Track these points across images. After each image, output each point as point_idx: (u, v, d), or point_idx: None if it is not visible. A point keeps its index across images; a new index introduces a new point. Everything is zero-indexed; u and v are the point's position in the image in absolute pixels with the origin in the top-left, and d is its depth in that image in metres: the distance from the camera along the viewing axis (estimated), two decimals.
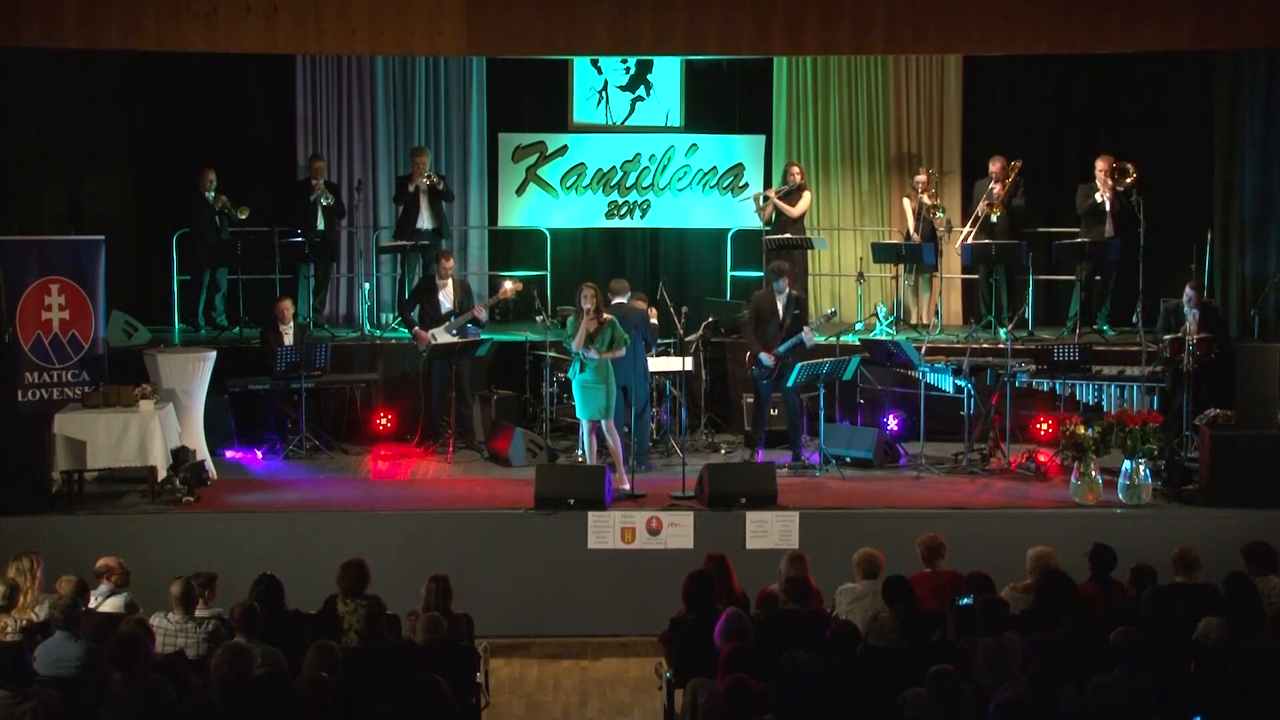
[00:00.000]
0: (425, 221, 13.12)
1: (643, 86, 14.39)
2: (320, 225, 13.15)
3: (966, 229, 13.03)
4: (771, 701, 6.15)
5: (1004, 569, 8.18)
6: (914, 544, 8.29)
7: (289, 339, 11.76)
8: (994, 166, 13.01)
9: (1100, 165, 12.66)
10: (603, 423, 10.56)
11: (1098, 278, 12.90)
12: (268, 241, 12.78)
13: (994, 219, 12.92)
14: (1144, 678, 6.36)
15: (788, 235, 13.22)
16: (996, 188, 12.92)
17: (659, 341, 11.81)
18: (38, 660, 6.68)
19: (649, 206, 14.29)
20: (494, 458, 11.60)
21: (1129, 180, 12.57)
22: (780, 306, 11.27)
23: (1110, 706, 6.09)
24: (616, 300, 11.14)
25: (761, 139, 14.34)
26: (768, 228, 13.54)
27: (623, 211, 14.30)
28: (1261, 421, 10.53)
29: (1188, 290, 11.47)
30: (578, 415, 10.70)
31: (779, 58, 13.84)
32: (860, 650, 6.90)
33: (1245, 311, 12.52)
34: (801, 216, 13.34)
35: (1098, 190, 12.65)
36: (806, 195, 13.38)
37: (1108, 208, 12.63)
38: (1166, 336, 11.29)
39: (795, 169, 13.42)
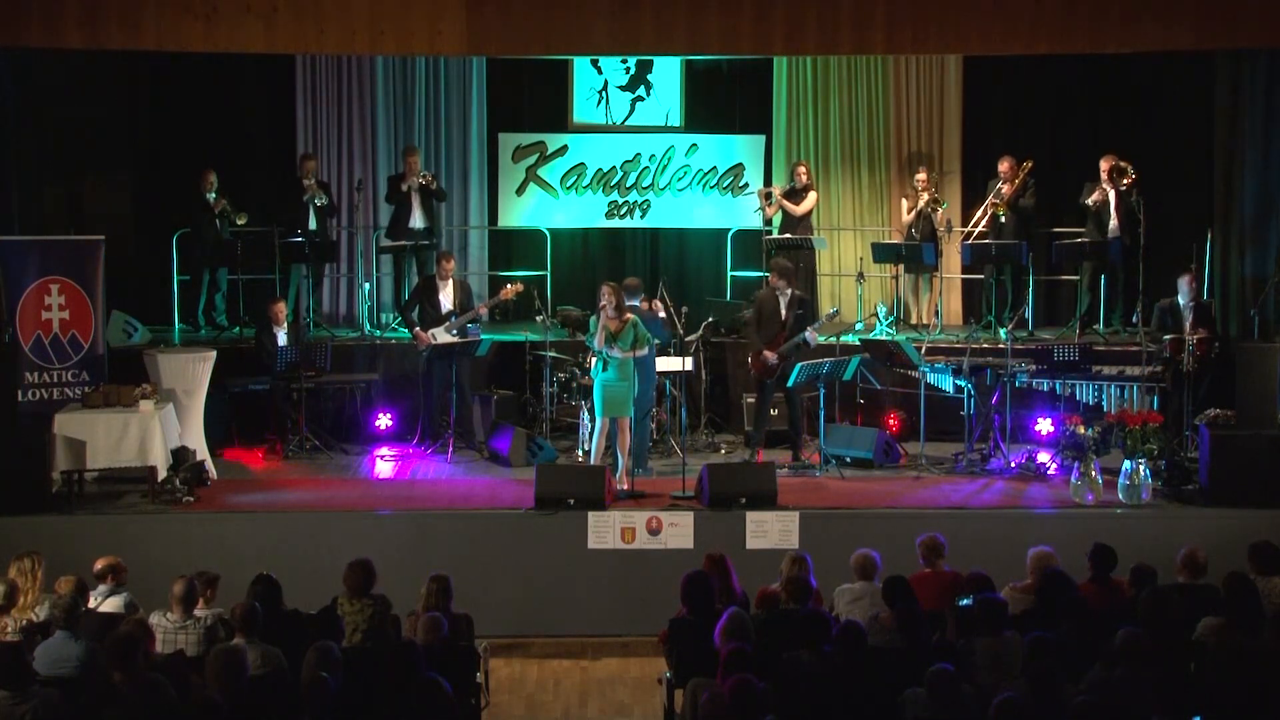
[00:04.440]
0: (418, 221, 13.12)
1: (643, 86, 14.38)
2: (313, 225, 13.12)
3: (971, 227, 13.01)
4: (772, 701, 6.15)
5: (1004, 569, 8.19)
6: (914, 544, 8.30)
7: (283, 340, 11.76)
8: (1003, 166, 13.01)
9: (1103, 165, 12.70)
10: (618, 421, 10.55)
11: (1103, 277, 12.91)
12: (267, 241, 12.78)
13: (1001, 218, 12.92)
14: (1144, 678, 6.36)
15: (787, 235, 13.23)
16: (1005, 187, 12.92)
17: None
18: (38, 660, 6.68)
19: (649, 206, 14.28)
20: (494, 458, 11.60)
21: (1127, 181, 12.59)
22: (783, 306, 11.27)
23: (1110, 706, 6.09)
24: (629, 302, 11.14)
25: (761, 139, 14.34)
26: (768, 227, 13.54)
27: (623, 211, 14.30)
28: (1261, 421, 10.53)
29: (1180, 282, 11.44)
30: (596, 413, 10.65)
31: (779, 58, 13.84)
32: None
33: (1245, 311, 12.50)
34: (807, 216, 13.35)
35: (1097, 190, 12.67)
36: (812, 195, 13.40)
37: (1113, 206, 12.65)
38: (1166, 337, 11.28)
39: (802, 169, 13.44)
